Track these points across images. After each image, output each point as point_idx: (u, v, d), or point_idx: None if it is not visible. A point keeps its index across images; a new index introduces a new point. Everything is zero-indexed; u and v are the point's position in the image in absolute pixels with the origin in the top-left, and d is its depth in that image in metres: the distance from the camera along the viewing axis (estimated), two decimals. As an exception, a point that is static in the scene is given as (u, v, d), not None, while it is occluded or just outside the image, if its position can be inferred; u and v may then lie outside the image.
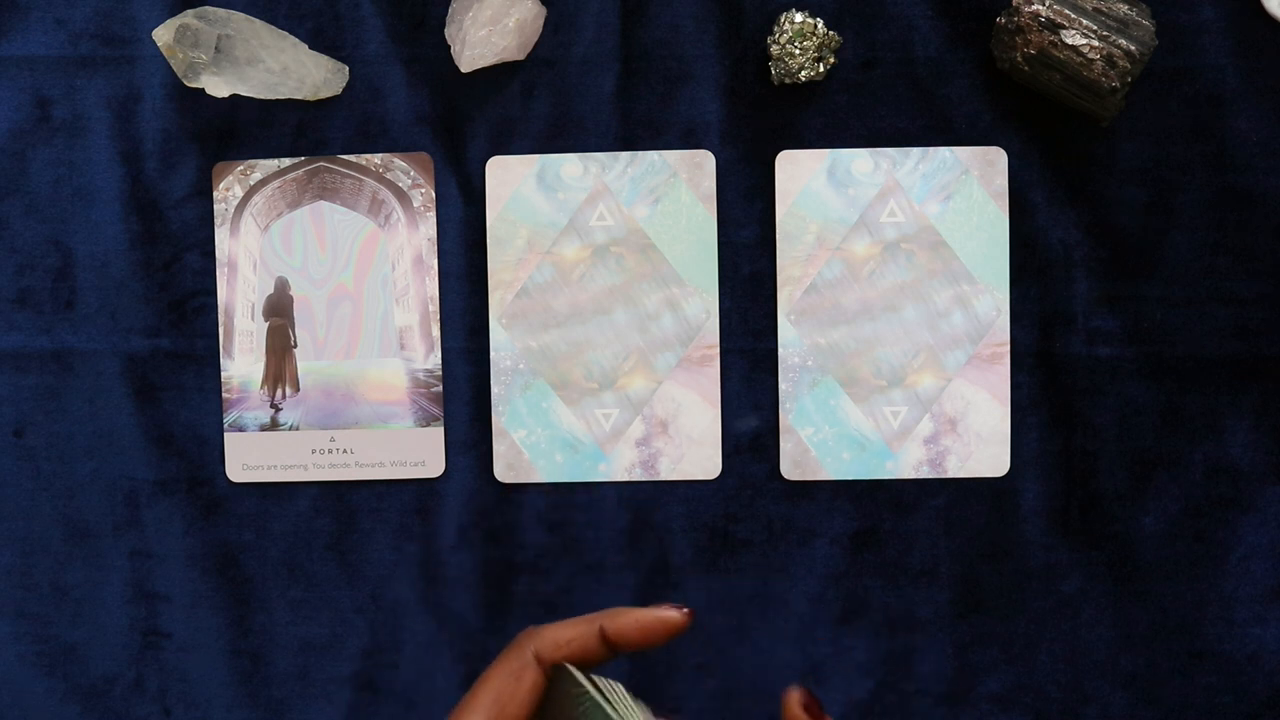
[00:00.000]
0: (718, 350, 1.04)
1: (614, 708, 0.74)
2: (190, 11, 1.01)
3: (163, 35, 1.00)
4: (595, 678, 0.76)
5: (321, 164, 1.04)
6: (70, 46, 1.04)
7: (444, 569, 1.05)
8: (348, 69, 1.04)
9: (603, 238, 1.04)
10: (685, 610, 0.76)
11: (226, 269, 1.05)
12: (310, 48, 1.03)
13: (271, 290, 1.05)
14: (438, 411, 1.04)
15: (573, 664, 0.77)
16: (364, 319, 1.05)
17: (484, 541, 1.05)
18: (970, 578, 1.04)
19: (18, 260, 1.05)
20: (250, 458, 1.05)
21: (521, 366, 1.04)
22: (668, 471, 1.04)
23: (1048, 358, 1.03)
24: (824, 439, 1.04)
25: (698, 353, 1.04)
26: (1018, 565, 1.03)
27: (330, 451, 1.05)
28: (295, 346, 1.05)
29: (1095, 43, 0.96)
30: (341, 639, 1.05)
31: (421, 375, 1.04)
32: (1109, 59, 0.96)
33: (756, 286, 1.04)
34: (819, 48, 1.01)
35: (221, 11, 1.01)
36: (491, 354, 1.04)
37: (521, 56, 1.03)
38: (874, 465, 1.04)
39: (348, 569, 1.05)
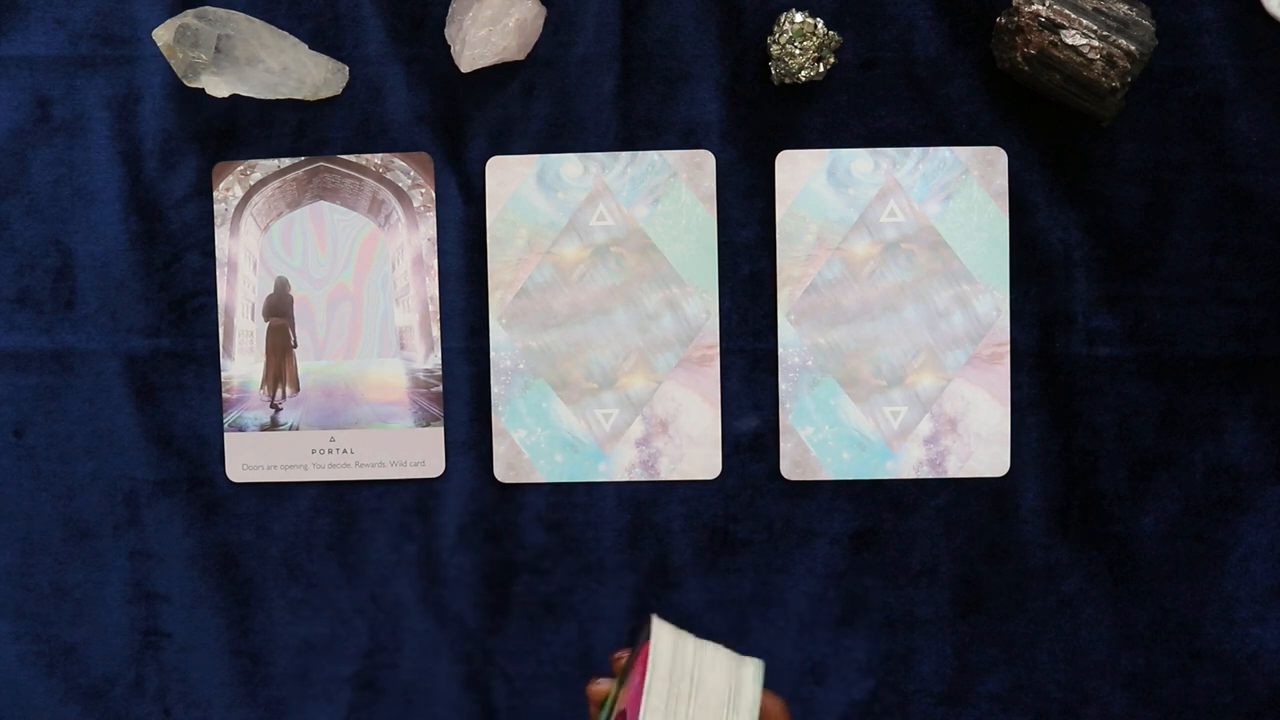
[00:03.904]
0: (718, 350, 1.04)
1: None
2: (190, 11, 1.01)
3: (163, 35, 1.00)
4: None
5: (321, 164, 1.04)
6: (70, 46, 1.04)
7: (444, 569, 1.05)
8: (348, 69, 1.04)
9: (603, 238, 1.04)
10: None
11: (226, 269, 1.05)
12: (310, 48, 1.03)
13: (271, 290, 1.05)
14: (438, 411, 1.04)
15: None
16: (364, 319, 1.05)
17: (484, 541, 1.05)
18: (970, 578, 1.04)
19: (18, 260, 1.05)
20: (250, 458, 1.05)
21: (521, 366, 1.04)
22: (668, 471, 1.04)
23: (1048, 358, 1.03)
24: (824, 439, 1.03)
25: (698, 353, 1.04)
26: (1018, 565, 1.03)
27: (330, 451, 1.05)
28: (295, 346, 1.05)
29: (1095, 43, 0.96)
30: (341, 639, 1.05)
31: (421, 375, 1.04)
32: (1109, 59, 0.96)
33: (756, 286, 1.04)
34: (819, 48, 1.01)
35: (221, 11, 1.01)
36: (491, 354, 1.04)
37: (521, 56, 1.03)
38: (874, 465, 1.04)
39: (348, 569, 1.05)
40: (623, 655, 0.84)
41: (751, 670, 0.80)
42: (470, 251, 1.04)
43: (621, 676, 0.82)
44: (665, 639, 0.80)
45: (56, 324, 1.05)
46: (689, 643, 0.80)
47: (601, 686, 0.83)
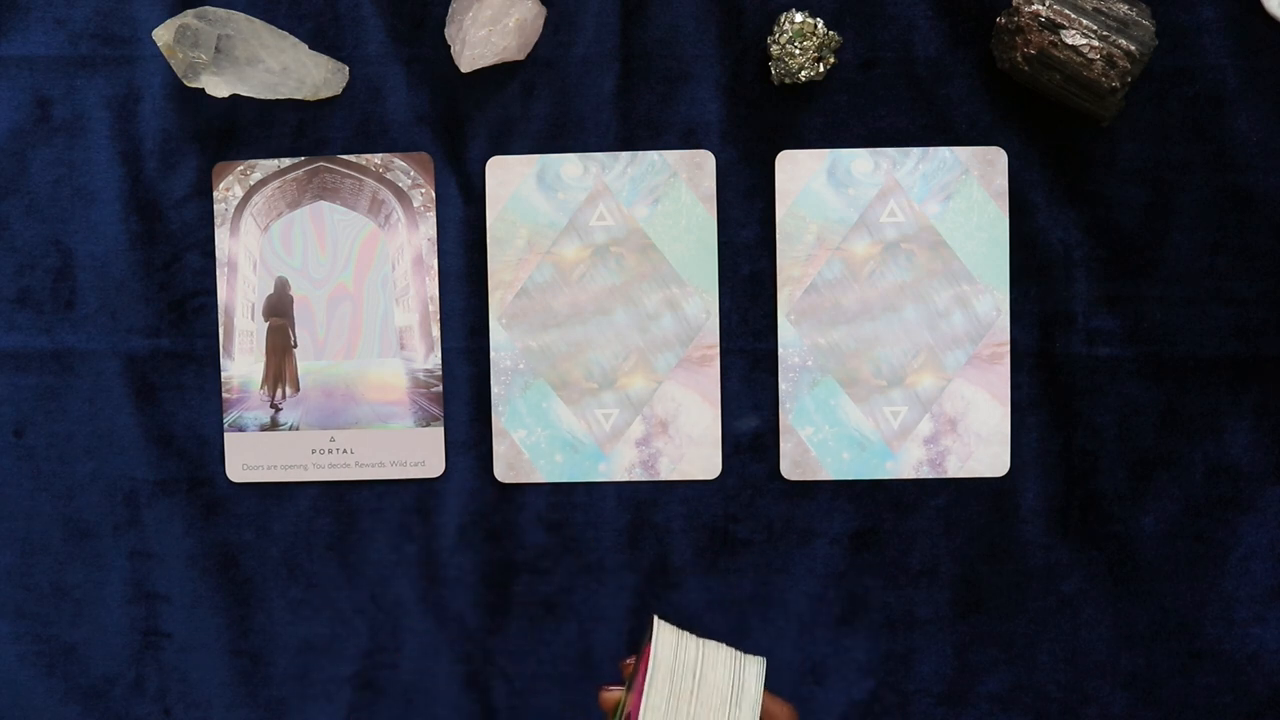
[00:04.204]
0: (718, 350, 1.04)
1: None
2: (190, 11, 1.01)
3: (163, 35, 1.00)
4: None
5: (321, 164, 1.04)
6: (70, 46, 1.04)
7: (444, 569, 1.05)
8: (348, 69, 1.04)
9: (603, 238, 1.04)
10: None
11: (226, 269, 1.05)
12: (310, 48, 1.03)
13: (271, 290, 1.05)
14: (438, 411, 1.04)
15: None
16: (364, 319, 1.05)
17: (484, 541, 1.05)
18: (970, 578, 1.04)
19: (18, 260, 1.05)
20: (250, 458, 1.05)
21: (521, 366, 1.04)
22: (668, 471, 1.04)
23: (1048, 358, 1.03)
24: (824, 439, 1.03)
25: (698, 353, 1.04)
26: (1018, 565, 1.03)
27: (330, 451, 1.05)
28: (295, 346, 1.05)
29: (1095, 43, 0.96)
30: (341, 639, 1.05)
31: (421, 375, 1.04)
32: (1109, 59, 0.96)
33: (756, 286, 1.04)
34: (819, 48, 1.01)
35: (221, 11, 1.01)
36: (491, 354, 1.04)
37: (521, 56, 1.03)
38: (874, 465, 1.04)
39: (348, 569, 1.05)
40: (631, 662, 0.84)
41: (754, 668, 0.80)
42: (470, 251, 1.04)
43: (629, 682, 0.82)
44: (667, 639, 0.80)
45: (56, 324, 1.05)
46: (691, 642, 0.81)
47: (613, 693, 0.83)
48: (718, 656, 0.80)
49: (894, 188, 1.03)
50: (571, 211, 1.04)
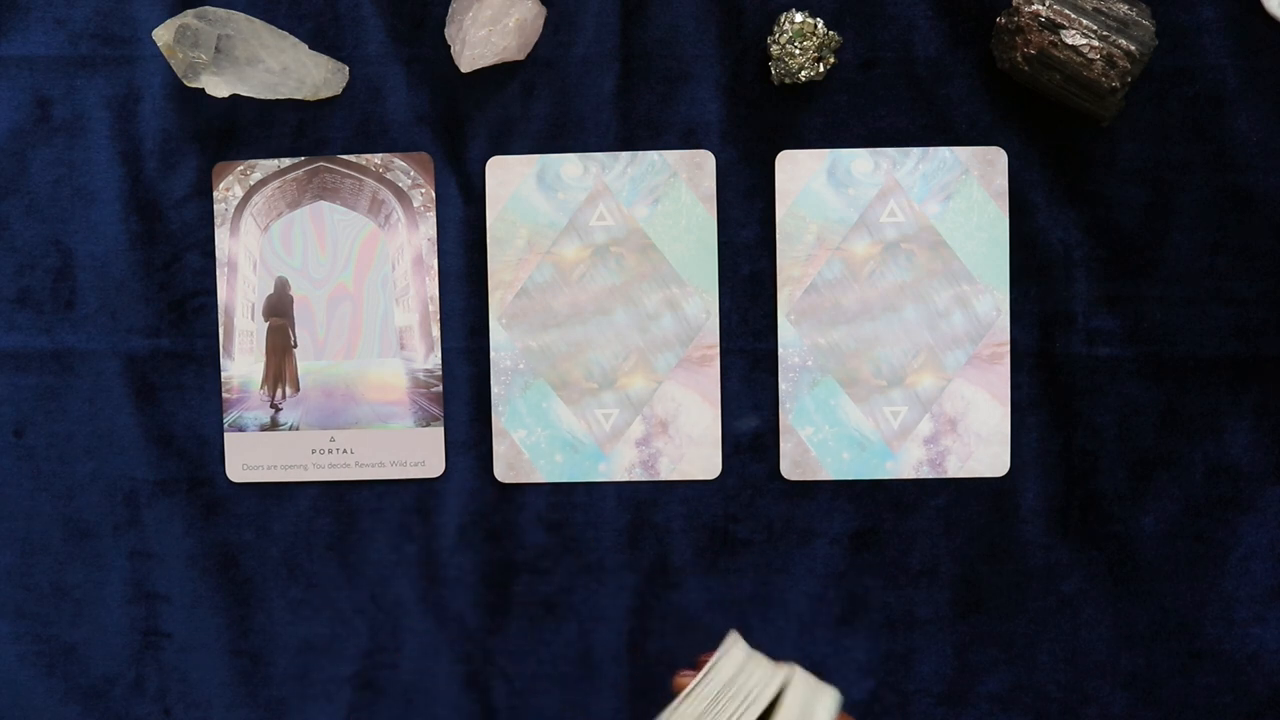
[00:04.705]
0: (718, 350, 1.04)
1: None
2: (190, 11, 1.01)
3: (163, 35, 1.00)
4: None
5: (321, 164, 1.04)
6: (70, 46, 1.04)
7: (444, 569, 1.05)
8: (348, 69, 1.04)
9: (603, 238, 1.04)
10: None
11: (226, 269, 1.05)
12: (310, 48, 1.03)
13: (271, 290, 1.05)
14: (438, 411, 1.04)
15: None
16: (364, 319, 1.05)
17: (484, 541, 1.05)
18: (970, 578, 1.04)
19: (18, 260, 1.05)
20: (250, 458, 1.05)
21: (521, 366, 1.04)
22: (668, 471, 1.04)
23: (1048, 358, 1.03)
24: (824, 439, 1.03)
25: (698, 353, 1.04)
26: (1018, 565, 1.03)
27: (330, 451, 1.05)
28: (295, 346, 1.05)
29: (1095, 43, 0.96)
30: (341, 639, 1.05)
31: (421, 375, 1.04)
32: (1109, 59, 0.96)
33: (756, 286, 1.04)
34: (819, 48, 1.01)
35: (221, 11, 1.01)
36: (491, 354, 1.04)
37: (521, 56, 1.03)
38: (874, 465, 1.04)
39: (348, 569, 1.05)
40: (707, 657, 0.85)
41: (826, 700, 0.82)
42: (470, 251, 1.04)
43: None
44: (734, 657, 0.83)
45: (56, 324, 1.05)
46: (760, 667, 0.82)
47: (686, 680, 0.84)
48: (792, 681, 0.82)
49: (894, 188, 1.03)
50: (571, 211, 1.04)
